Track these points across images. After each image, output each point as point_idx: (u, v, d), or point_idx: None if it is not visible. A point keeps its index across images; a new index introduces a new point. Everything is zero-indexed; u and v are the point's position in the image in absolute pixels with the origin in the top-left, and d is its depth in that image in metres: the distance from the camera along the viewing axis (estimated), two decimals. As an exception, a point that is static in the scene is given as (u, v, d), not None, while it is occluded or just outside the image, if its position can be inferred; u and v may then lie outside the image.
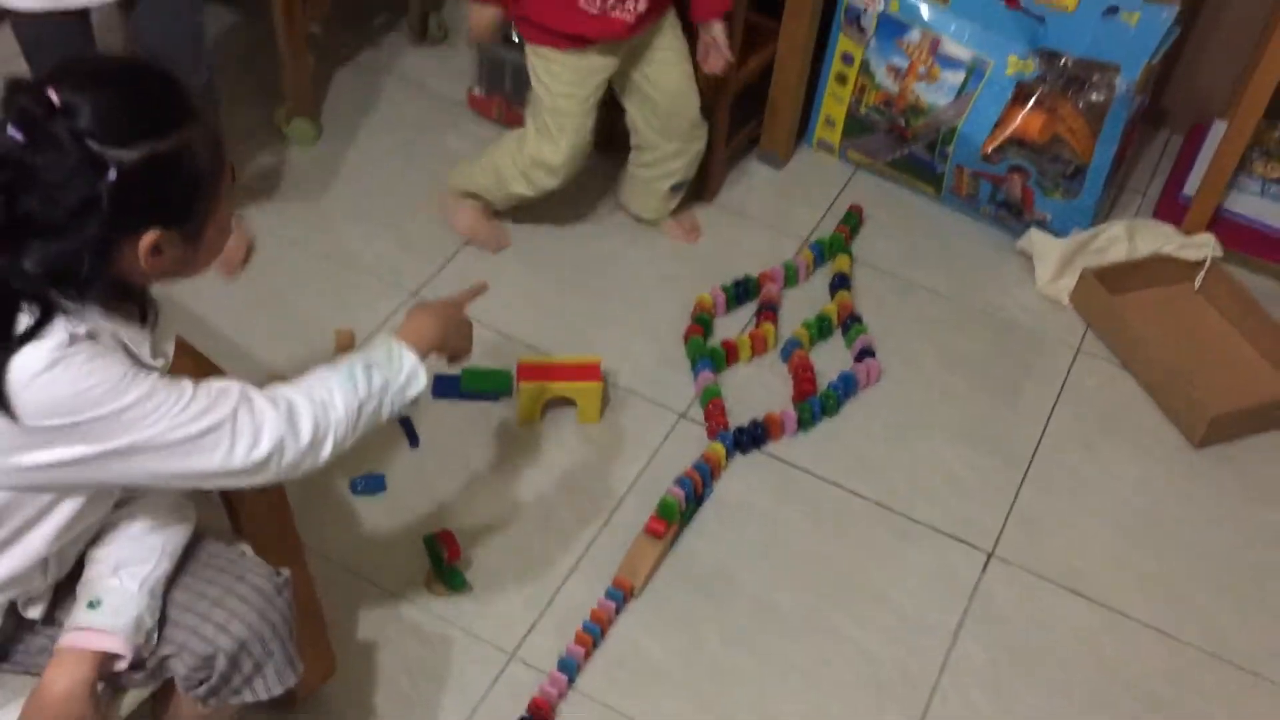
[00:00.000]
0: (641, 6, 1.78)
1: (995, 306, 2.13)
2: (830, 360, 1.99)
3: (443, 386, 1.88)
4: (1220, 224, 2.22)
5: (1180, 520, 1.82)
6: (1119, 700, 1.60)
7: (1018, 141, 2.11)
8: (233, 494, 1.24)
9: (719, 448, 1.81)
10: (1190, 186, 2.28)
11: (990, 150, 2.13)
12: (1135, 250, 2.16)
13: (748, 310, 2.08)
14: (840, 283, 2.09)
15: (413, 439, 1.80)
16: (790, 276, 2.11)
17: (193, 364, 1.21)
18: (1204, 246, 2.14)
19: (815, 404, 1.88)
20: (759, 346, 1.98)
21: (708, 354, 1.94)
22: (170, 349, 1.09)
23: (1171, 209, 2.28)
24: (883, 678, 1.60)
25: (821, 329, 2.02)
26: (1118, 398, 1.99)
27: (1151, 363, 1.97)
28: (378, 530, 1.71)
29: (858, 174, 2.38)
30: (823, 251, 2.15)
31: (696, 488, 1.74)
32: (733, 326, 2.04)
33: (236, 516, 1.27)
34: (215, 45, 2.26)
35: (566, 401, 1.87)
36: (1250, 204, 2.26)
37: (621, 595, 1.62)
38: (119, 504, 1.12)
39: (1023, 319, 2.12)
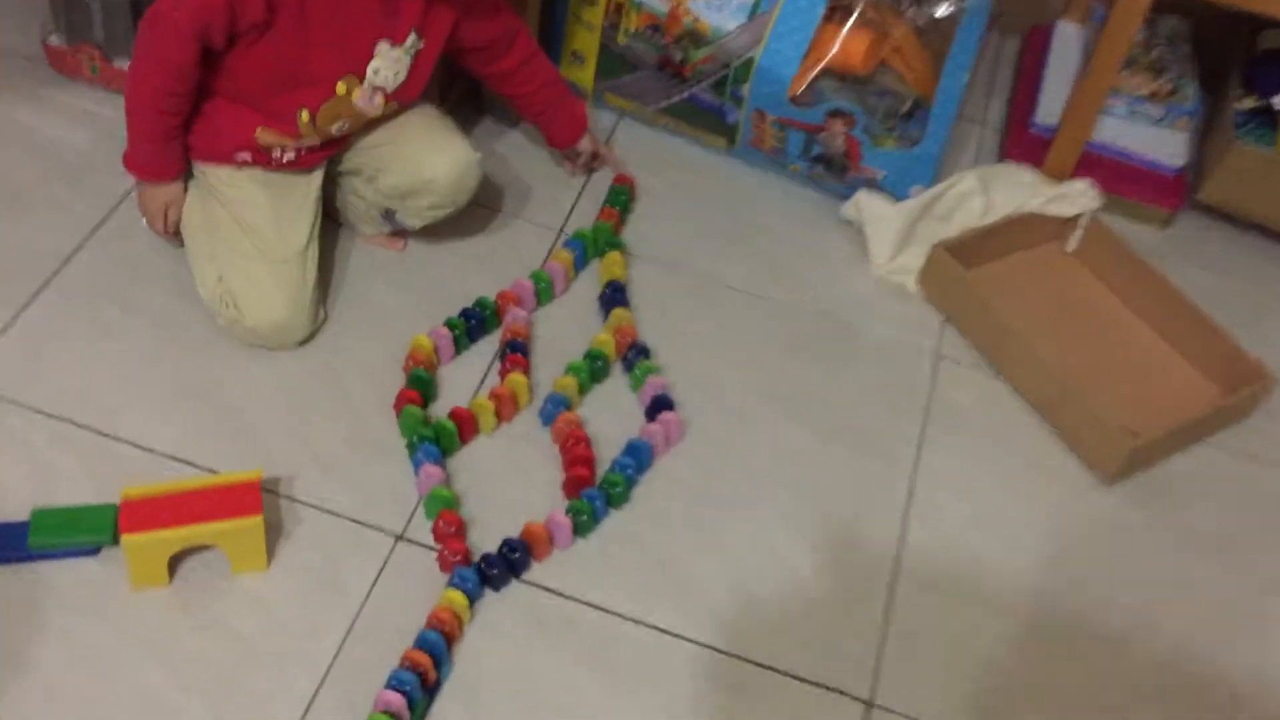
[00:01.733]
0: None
1: (822, 303, 1.57)
2: (611, 415, 1.39)
3: (2, 543, 1.17)
4: (1083, 160, 1.72)
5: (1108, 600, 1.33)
6: None
7: (836, 75, 1.53)
8: None
9: (457, 599, 1.18)
10: (1045, 113, 1.77)
11: (800, 90, 1.54)
12: (992, 207, 1.64)
13: (486, 352, 1.44)
14: (614, 295, 1.47)
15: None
16: (543, 292, 1.48)
17: None
18: (1081, 197, 1.64)
19: (595, 499, 1.28)
20: (506, 410, 1.35)
21: (430, 433, 1.30)
22: None
23: (1024, 144, 1.76)
24: None
25: (594, 371, 1.40)
26: (998, 421, 1.47)
27: (1035, 374, 1.46)
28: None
29: (622, 128, 1.75)
30: (585, 249, 1.52)
31: (425, 677, 1.11)
32: (465, 382, 1.40)
33: None
34: None
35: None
36: (1117, 130, 1.75)
37: None
38: None
39: (859, 317, 1.56)
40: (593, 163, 1.65)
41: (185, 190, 1.39)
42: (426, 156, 1.41)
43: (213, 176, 1.37)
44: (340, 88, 1.32)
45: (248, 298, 1.33)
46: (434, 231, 1.52)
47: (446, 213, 1.45)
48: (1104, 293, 1.63)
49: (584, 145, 1.61)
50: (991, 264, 1.61)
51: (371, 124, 1.41)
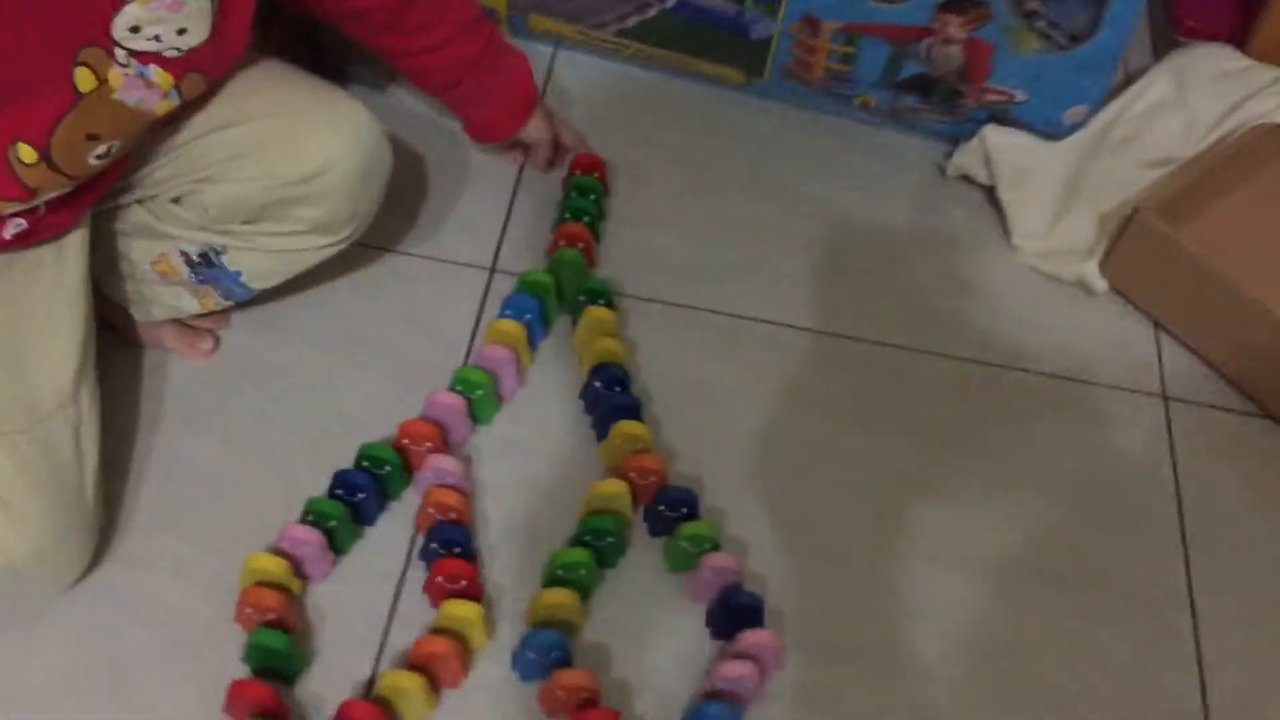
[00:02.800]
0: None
1: (939, 335, 0.92)
2: (645, 635, 0.75)
3: None
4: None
5: None
6: None
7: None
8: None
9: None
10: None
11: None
12: (1194, 123, 0.99)
13: (392, 543, 0.78)
14: (611, 394, 0.81)
15: None
16: (480, 405, 0.81)
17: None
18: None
19: None
20: (446, 674, 0.70)
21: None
22: None
23: (1207, 11, 1.11)
24: None
25: (604, 553, 0.75)
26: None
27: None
28: None
29: (563, 66, 1.06)
30: (541, 306, 0.86)
31: None
32: (357, 624, 0.74)
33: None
34: None
35: None
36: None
37: None
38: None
39: (1008, 350, 0.92)
40: (555, 157, 0.97)
41: None
42: (304, 135, 0.73)
43: None
44: (81, 79, 0.63)
45: None
46: (272, 311, 0.85)
47: (334, 241, 0.78)
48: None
49: (535, 131, 0.93)
50: (1206, 220, 0.97)
51: (169, 122, 0.72)
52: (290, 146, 0.74)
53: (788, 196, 0.98)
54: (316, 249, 0.79)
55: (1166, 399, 0.90)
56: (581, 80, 1.04)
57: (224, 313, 0.85)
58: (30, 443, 0.69)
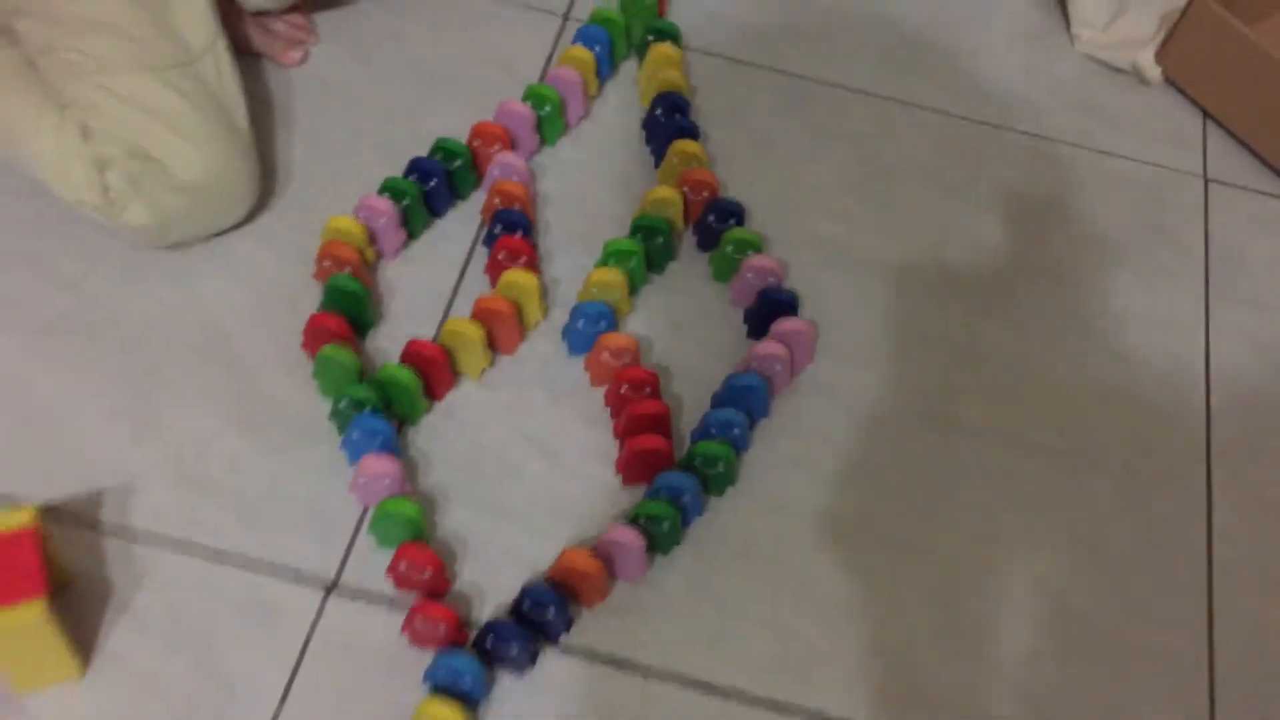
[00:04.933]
0: None
1: (999, 108, 0.96)
2: (687, 329, 0.80)
3: None
4: None
5: None
6: None
7: None
8: None
9: (445, 716, 0.62)
10: None
11: None
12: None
13: (459, 233, 0.84)
14: (671, 118, 0.86)
15: None
16: (548, 122, 0.87)
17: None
18: None
19: (682, 490, 0.70)
20: (503, 334, 0.76)
21: (370, 393, 0.71)
22: None
23: None
24: None
25: (652, 253, 0.81)
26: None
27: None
28: None
29: None
30: (610, 41, 0.91)
31: None
32: (425, 291, 0.81)
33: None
34: None
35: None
36: None
37: None
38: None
39: (1064, 127, 0.95)
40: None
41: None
42: None
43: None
44: None
45: (153, 137, 0.74)
46: (352, 30, 0.91)
47: None
48: None
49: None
50: (1267, 19, 0.99)
51: None
52: None
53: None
54: None
55: (1207, 180, 0.93)
56: None
57: (313, 30, 0.91)
58: (189, 78, 0.76)
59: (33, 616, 0.59)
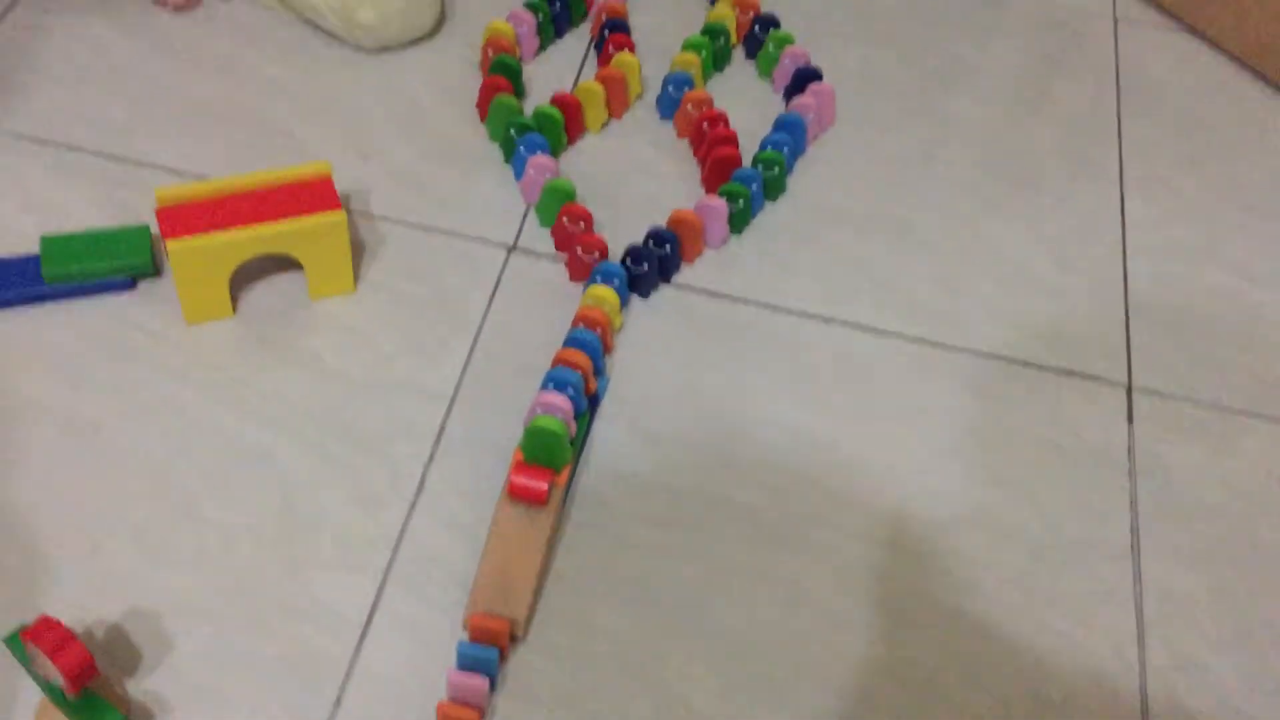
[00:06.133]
0: None
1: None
2: (742, 106, 1.12)
3: (12, 281, 0.90)
4: None
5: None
6: None
7: None
8: None
9: (605, 294, 0.92)
10: None
11: None
12: None
13: (578, 39, 1.16)
14: (722, -31, 1.20)
15: None
16: (634, -27, 1.20)
17: None
18: None
19: (751, 180, 1.01)
20: (616, 96, 1.08)
21: (529, 125, 1.03)
22: None
23: None
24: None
25: (717, 51, 1.14)
26: (1202, 85, 1.22)
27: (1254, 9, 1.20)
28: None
29: None
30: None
31: (587, 381, 0.86)
32: (558, 70, 1.13)
33: None
34: None
35: (279, 266, 0.93)
36: None
37: (491, 657, 0.73)
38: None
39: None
40: None
41: None
42: None
43: None
44: None
45: None
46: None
47: None
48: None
49: None
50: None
51: None
52: None
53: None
54: None
55: (1115, 22, 1.28)
56: None
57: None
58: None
59: (335, 223, 0.89)
